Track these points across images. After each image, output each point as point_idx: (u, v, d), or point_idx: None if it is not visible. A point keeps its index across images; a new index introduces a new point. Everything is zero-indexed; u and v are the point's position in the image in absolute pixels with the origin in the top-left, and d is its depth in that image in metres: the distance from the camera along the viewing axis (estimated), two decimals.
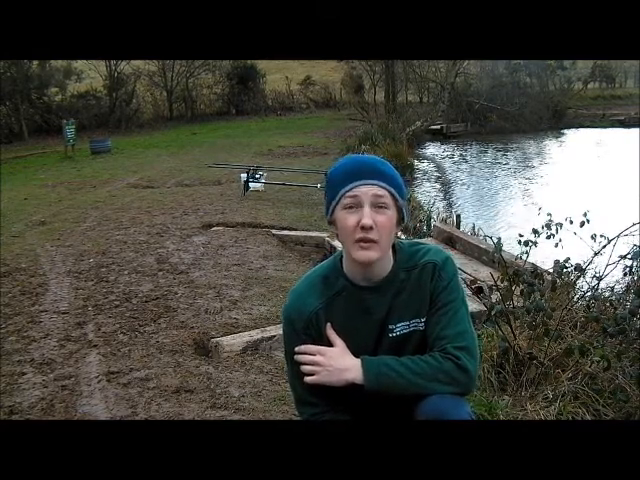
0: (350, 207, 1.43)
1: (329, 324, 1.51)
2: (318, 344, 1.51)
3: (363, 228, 1.40)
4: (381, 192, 1.43)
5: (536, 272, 2.96)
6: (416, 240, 1.58)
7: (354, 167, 1.47)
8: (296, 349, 1.51)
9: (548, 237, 3.31)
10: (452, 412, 1.40)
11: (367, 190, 1.42)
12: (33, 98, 20.22)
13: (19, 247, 6.04)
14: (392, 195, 1.45)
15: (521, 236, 3.29)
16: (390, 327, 1.51)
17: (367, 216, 1.41)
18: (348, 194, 1.43)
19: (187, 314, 4.09)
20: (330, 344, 1.51)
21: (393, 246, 1.52)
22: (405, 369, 1.44)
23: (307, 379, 1.48)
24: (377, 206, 1.43)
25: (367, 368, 1.45)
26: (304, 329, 1.52)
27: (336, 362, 1.46)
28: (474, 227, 7.82)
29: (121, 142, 16.85)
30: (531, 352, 2.73)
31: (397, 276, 1.51)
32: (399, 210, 1.47)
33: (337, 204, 1.45)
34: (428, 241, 5.72)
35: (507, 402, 2.57)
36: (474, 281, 4.17)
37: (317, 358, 1.47)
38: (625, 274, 3.43)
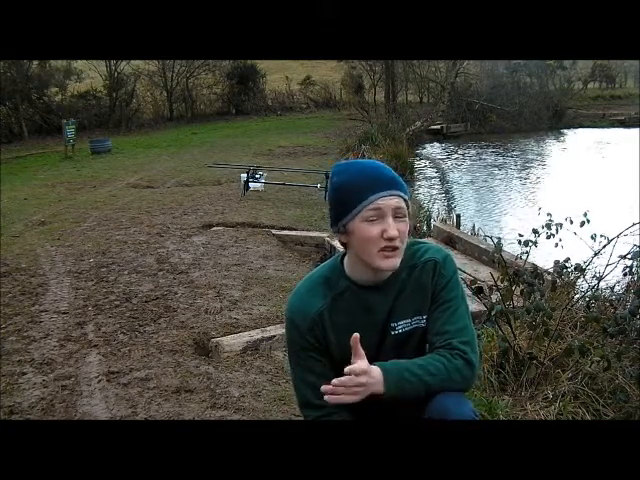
0: (372, 219, 1.43)
1: (355, 336, 1.42)
2: (323, 345, 1.51)
3: (389, 239, 1.42)
4: (401, 202, 1.45)
5: (536, 272, 2.96)
6: (415, 239, 1.58)
7: (370, 178, 1.45)
8: (334, 381, 1.39)
9: (548, 237, 3.31)
10: (455, 410, 1.41)
11: (389, 202, 1.43)
12: (33, 98, 20.17)
13: (19, 247, 6.04)
14: (406, 202, 1.48)
15: (521, 236, 3.29)
16: (392, 325, 1.52)
17: (393, 227, 1.43)
18: (370, 207, 1.42)
19: (187, 314, 4.09)
20: (336, 344, 1.51)
21: None
22: (423, 372, 1.44)
23: (347, 400, 1.38)
24: (397, 216, 1.45)
25: (388, 376, 1.42)
26: (309, 330, 1.51)
27: (370, 379, 1.40)
28: (474, 227, 7.82)
29: (121, 142, 16.84)
30: (531, 352, 2.73)
31: (399, 276, 1.52)
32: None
33: (355, 216, 1.44)
34: (428, 241, 5.72)
35: (507, 402, 2.57)
36: (474, 281, 4.16)
37: (362, 379, 1.39)
38: (625, 274, 3.43)
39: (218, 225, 6.95)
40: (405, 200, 1.47)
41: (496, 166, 15.66)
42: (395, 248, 1.44)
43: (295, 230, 6.68)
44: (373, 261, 1.45)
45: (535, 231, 3.27)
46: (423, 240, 1.68)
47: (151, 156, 14.32)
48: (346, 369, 1.38)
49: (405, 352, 1.52)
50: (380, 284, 1.52)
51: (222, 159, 11.71)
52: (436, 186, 13.38)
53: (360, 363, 1.39)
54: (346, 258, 1.55)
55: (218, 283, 4.72)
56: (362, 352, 1.41)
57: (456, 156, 17.68)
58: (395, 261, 1.45)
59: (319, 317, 1.51)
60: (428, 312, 1.53)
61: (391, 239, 1.42)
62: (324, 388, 1.39)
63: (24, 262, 5.44)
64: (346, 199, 1.45)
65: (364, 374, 1.39)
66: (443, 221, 8.13)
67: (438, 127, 21.03)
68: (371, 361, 1.51)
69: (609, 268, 3.14)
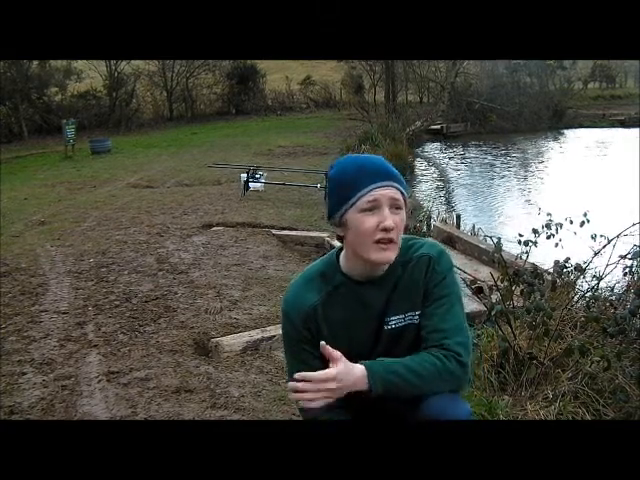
0: (369, 210, 1.43)
1: (322, 343, 1.43)
2: (317, 339, 1.50)
3: (385, 230, 1.42)
4: (397, 194, 1.45)
5: (536, 272, 2.96)
6: (412, 235, 1.58)
7: (367, 169, 1.46)
8: (297, 375, 1.39)
9: (548, 237, 3.31)
10: (452, 411, 1.41)
11: (385, 193, 1.43)
12: (33, 98, 20.18)
13: (19, 247, 6.04)
14: (403, 195, 1.47)
15: (521, 236, 3.29)
16: (386, 320, 1.53)
17: (389, 218, 1.42)
18: (366, 197, 1.43)
19: (187, 314, 4.09)
20: (330, 338, 1.49)
21: None
22: (413, 373, 1.44)
23: (313, 404, 1.38)
24: (394, 207, 1.44)
25: (373, 376, 1.42)
26: (303, 324, 1.52)
27: (345, 381, 1.40)
28: (474, 227, 7.82)
29: (121, 142, 16.83)
30: (531, 352, 2.73)
31: (394, 271, 1.52)
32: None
33: (351, 207, 1.45)
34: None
35: (507, 402, 2.57)
36: (474, 281, 4.16)
37: (329, 385, 1.38)
38: (625, 274, 3.43)
39: (218, 225, 6.95)
40: (402, 193, 1.47)
41: (496, 166, 15.66)
42: (390, 240, 1.43)
43: (295, 230, 6.67)
44: (368, 253, 1.44)
45: (535, 231, 3.27)
46: (420, 237, 1.68)
47: (151, 156, 14.32)
48: (314, 374, 1.38)
49: (400, 347, 1.52)
50: (375, 279, 1.52)
51: (222, 159, 11.70)
52: (436, 186, 13.38)
53: (329, 371, 1.39)
54: (342, 253, 1.56)
55: (218, 283, 4.72)
56: (338, 355, 1.41)
57: (456, 156, 17.68)
58: (390, 254, 1.44)
59: (313, 311, 1.52)
60: (421, 308, 1.52)
61: (387, 230, 1.42)
62: (291, 385, 1.39)
63: (24, 262, 5.44)
64: (343, 190, 1.46)
65: (332, 380, 1.38)
66: (443, 221, 8.13)
67: (438, 127, 21.03)
68: (366, 356, 1.51)
69: (609, 268, 3.13)
